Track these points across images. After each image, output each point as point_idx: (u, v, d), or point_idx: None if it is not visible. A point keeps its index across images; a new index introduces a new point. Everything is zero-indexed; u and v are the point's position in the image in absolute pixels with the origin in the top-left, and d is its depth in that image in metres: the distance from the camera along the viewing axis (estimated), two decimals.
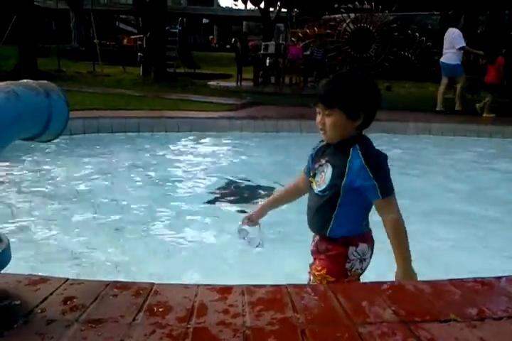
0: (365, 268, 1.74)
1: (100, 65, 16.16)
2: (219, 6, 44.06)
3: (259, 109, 9.22)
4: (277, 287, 1.39)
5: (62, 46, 20.14)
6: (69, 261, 2.59)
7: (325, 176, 1.66)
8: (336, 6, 14.84)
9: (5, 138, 1.24)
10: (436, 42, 18.27)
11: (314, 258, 1.79)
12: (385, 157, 1.65)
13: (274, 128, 7.36)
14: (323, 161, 1.69)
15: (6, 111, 1.21)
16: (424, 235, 3.14)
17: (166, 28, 15.55)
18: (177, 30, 17.68)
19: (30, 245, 2.77)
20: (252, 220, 1.96)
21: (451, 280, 1.53)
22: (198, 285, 1.37)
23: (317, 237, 1.78)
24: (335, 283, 1.62)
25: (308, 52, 14.43)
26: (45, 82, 1.40)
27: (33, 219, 3.30)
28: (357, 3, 17.78)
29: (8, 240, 1.25)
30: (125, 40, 24.87)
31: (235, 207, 3.92)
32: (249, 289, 1.36)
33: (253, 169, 5.28)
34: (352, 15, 19.43)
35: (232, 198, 4.22)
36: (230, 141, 6.80)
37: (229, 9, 40.16)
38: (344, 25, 19.51)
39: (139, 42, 21.51)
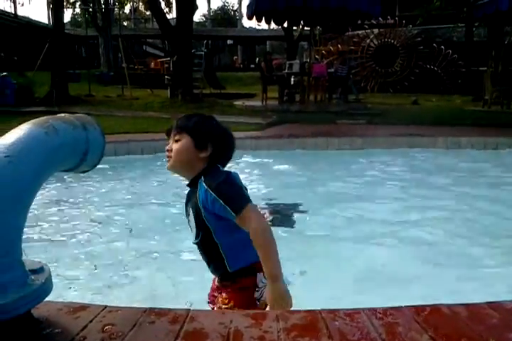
0: None
1: (129, 88, 16.56)
2: (243, 26, 44.77)
3: (285, 128, 9.29)
4: (311, 312, 1.39)
5: (92, 71, 20.78)
6: (106, 288, 2.64)
7: (192, 222, 1.65)
8: (359, 22, 14.85)
9: (46, 171, 1.29)
10: (462, 55, 18.16)
11: (220, 293, 1.70)
12: (226, 174, 1.60)
13: (300, 146, 7.39)
14: (188, 209, 1.68)
15: (46, 146, 1.27)
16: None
17: (192, 51, 15.87)
18: (203, 53, 18.05)
19: (66, 271, 2.83)
20: None
21: (488, 303, 1.50)
22: (233, 312, 1.38)
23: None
24: (368, 310, 1.55)
25: (332, 70, 14.48)
26: (82, 115, 1.46)
27: (67, 243, 3.38)
28: (380, 18, 17.82)
29: (49, 269, 1.30)
30: (152, 64, 25.48)
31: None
32: (283, 315, 1.37)
33: (281, 188, 5.30)
34: (375, 30, 19.50)
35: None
36: (257, 160, 6.85)
37: (252, 30, 40.75)
38: (368, 40, 19.58)
39: (166, 65, 22.03)
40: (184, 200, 1.72)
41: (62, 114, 1.43)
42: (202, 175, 1.60)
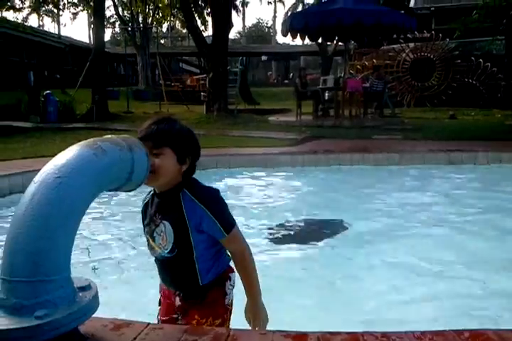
0: None
1: (166, 105, 16.93)
2: (277, 42, 45.24)
3: (320, 143, 9.26)
4: (353, 334, 1.37)
5: (130, 88, 21.37)
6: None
7: (166, 235, 1.54)
8: (394, 36, 14.77)
9: (94, 190, 1.34)
10: (502, 68, 17.76)
11: (185, 313, 1.62)
12: (217, 191, 1.59)
13: (335, 162, 7.34)
14: (157, 220, 1.57)
15: (95, 167, 1.32)
16: None
17: (227, 68, 16.15)
18: (238, 69, 18.32)
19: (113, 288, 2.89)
20: None
21: None
22: (274, 332, 1.38)
23: (177, 292, 1.65)
24: (410, 333, 1.49)
25: (367, 84, 14.41)
26: (127, 136, 1.51)
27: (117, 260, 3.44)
28: (416, 32, 17.68)
29: (96, 287, 1.34)
30: (188, 81, 26.02)
31: (296, 245, 3.90)
32: (324, 336, 1.36)
33: (316, 204, 5.27)
34: (411, 44, 19.33)
35: (296, 234, 4.22)
36: (291, 176, 6.84)
37: (286, 45, 41.11)
38: (403, 54, 19.43)
39: (202, 82, 22.46)
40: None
41: (109, 136, 1.48)
42: (182, 187, 1.54)
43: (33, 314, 1.14)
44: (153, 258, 1.69)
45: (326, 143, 9.12)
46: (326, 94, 14.56)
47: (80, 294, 1.27)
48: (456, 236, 3.96)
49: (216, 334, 1.37)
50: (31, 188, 1.24)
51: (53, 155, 1.32)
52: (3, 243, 1.21)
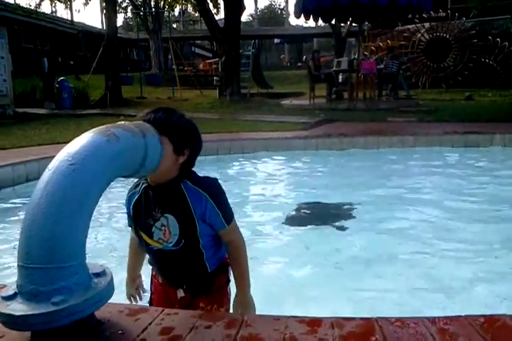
0: None
1: (179, 90, 16.90)
2: (290, 24, 44.61)
3: (334, 126, 9.19)
4: (367, 320, 1.37)
5: (143, 73, 21.34)
6: None
7: (169, 229, 1.50)
8: (409, 16, 14.44)
9: (108, 176, 1.34)
10: None
11: (186, 303, 1.61)
12: (216, 180, 1.55)
13: (350, 146, 7.29)
14: (157, 215, 1.51)
15: (108, 153, 1.32)
16: None
17: (240, 51, 16.01)
18: (250, 53, 18.15)
19: None
20: (137, 288, 1.81)
21: None
22: (288, 317, 1.39)
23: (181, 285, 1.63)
24: (426, 319, 1.43)
25: (382, 66, 14.19)
26: (141, 122, 1.50)
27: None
28: (431, 12, 17.27)
29: (111, 273, 1.35)
30: (201, 65, 25.90)
31: (311, 227, 3.91)
32: (338, 322, 1.36)
33: (330, 187, 5.25)
34: (427, 24, 18.92)
35: (310, 218, 4.22)
36: (305, 160, 6.81)
37: (299, 27, 40.54)
38: (419, 35, 19.04)
39: (215, 66, 22.34)
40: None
41: (122, 122, 1.47)
42: (181, 179, 1.51)
43: (49, 300, 1.16)
44: (147, 254, 1.65)
45: (340, 127, 9.05)
46: (340, 77, 14.39)
47: (96, 280, 1.28)
48: (472, 220, 3.92)
49: (231, 320, 1.38)
50: (45, 175, 1.25)
51: (68, 142, 1.32)
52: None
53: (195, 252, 1.55)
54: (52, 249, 1.18)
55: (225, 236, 1.57)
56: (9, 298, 1.20)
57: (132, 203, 1.58)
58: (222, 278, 1.65)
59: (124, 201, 1.63)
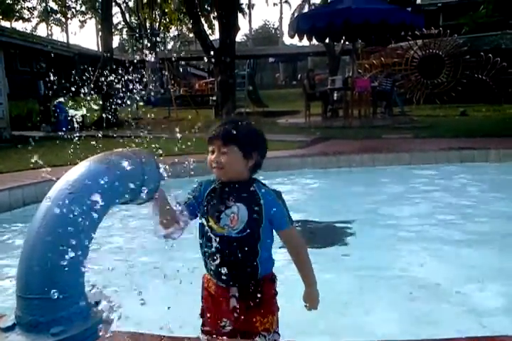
0: None
1: (175, 110, 17.00)
2: (284, 44, 45.21)
3: (330, 144, 9.23)
4: None
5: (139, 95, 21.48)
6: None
7: (238, 216, 1.64)
8: (402, 33, 14.68)
9: (107, 203, 1.35)
10: None
11: (242, 313, 1.65)
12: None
13: (346, 164, 7.30)
14: (230, 203, 1.66)
15: (106, 181, 1.33)
16: None
17: (235, 71, 16.19)
18: (245, 72, 18.33)
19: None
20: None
21: None
22: None
23: (232, 292, 1.67)
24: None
25: (376, 84, 14.35)
26: (138, 149, 1.52)
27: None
28: (423, 29, 17.56)
29: (110, 300, 1.34)
30: (197, 85, 26.10)
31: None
32: None
33: (328, 206, 5.25)
34: (419, 41, 19.21)
35: (307, 238, 4.20)
36: (302, 179, 6.82)
37: (293, 46, 41.07)
38: (412, 52, 19.32)
39: (210, 86, 22.54)
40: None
41: (120, 149, 1.49)
42: (253, 181, 1.72)
43: (49, 331, 1.15)
44: (206, 245, 1.67)
45: (336, 144, 9.09)
46: (335, 95, 14.52)
47: (95, 309, 1.28)
48: (473, 239, 3.91)
49: None
50: (44, 204, 1.26)
51: (65, 165, 1.33)
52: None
53: (253, 248, 1.65)
54: (52, 280, 1.17)
55: (288, 236, 1.71)
56: (8, 330, 1.19)
57: (208, 191, 1.73)
58: (271, 289, 1.73)
59: (194, 187, 1.76)
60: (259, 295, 1.66)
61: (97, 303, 1.30)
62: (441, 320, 2.49)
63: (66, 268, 1.19)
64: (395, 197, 5.45)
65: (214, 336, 1.67)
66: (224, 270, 1.64)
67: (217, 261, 1.64)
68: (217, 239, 1.64)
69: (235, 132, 1.65)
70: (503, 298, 2.73)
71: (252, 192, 1.67)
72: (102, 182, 1.32)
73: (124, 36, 39.94)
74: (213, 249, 1.64)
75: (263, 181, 1.76)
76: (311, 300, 1.75)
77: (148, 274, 2.60)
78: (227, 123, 1.71)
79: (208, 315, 1.72)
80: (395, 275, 3.15)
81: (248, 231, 1.63)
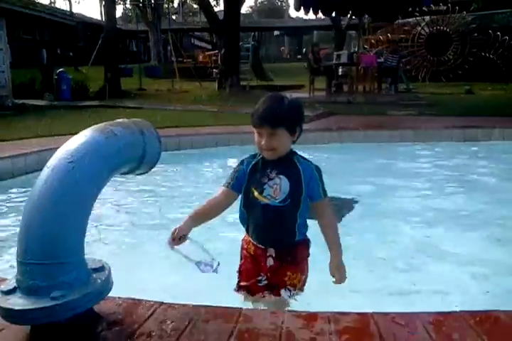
0: None
1: (178, 81, 16.83)
2: (289, 17, 44.36)
3: (334, 120, 9.17)
4: (363, 315, 1.39)
5: (142, 65, 21.25)
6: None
7: (281, 187, 1.76)
8: (409, 9, 14.37)
9: (106, 173, 1.36)
10: None
11: (275, 271, 1.82)
12: None
13: (349, 140, 7.27)
14: (272, 175, 1.78)
15: (107, 151, 1.33)
16: None
17: (240, 43, 15.94)
18: (250, 45, 18.06)
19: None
20: (182, 237, 1.74)
21: None
22: (284, 312, 1.41)
23: (270, 252, 1.83)
24: (422, 314, 1.46)
25: (382, 60, 14.14)
26: (139, 120, 1.51)
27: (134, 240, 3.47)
28: (432, 5, 17.19)
29: (110, 268, 1.37)
30: (200, 57, 25.74)
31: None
32: (334, 317, 1.38)
33: (330, 182, 5.25)
34: (427, 18, 18.84)
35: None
36: (304, 155, 6.79)
37: (299, 20, 40.32)
38: (419, 28, 18.96)
39: (214, 58, 22.24)
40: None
41: (121, 120, 1.49)
42: (293, 153, 1.82)
43: (49, 295, 1.18)
44: (242, 216, 1.85)
45: (340, 120, 9.03)
46: (340, 70, 14.34)
47: (94, 275, 1.30)
48: (472, 215, 3.93)
49: (228, 314, 1.40)
50: (44, 173, 1.26)
51: (68, 134, 1.33)
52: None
53: (293, 214, 1.79)
54: (52, 246, 1.19)
55: (321, 207, 1.82)
56: (9, 292, 1.22)
57: (250, 166, 1.84)
58: (305, 251, 1.88)
59: (236, 165, 1.89)
60: (293, 256, 1.83)
61: (97, 269, 1.32)
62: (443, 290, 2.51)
63: (66, 235, 1.21)
64: (396, 174, 5.45)
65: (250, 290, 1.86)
66: (265, 234, 1.83)
67: (260, 227, 1.82)
68: (261, 207, 1.78)
69: (280, 114, 1.71)
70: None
71: (293, 165, 1.78)
72: (102, 152, 1.32)
73: (128, 5, 39.17)
74: (256, 216, 1.81)
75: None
76: (340, 273, 1.80)
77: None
78: (270, 104, 1.74)
79: (246, 272, 1.89)
80: (396, 245, 3.18)
81: (289, 200, 1.76)
